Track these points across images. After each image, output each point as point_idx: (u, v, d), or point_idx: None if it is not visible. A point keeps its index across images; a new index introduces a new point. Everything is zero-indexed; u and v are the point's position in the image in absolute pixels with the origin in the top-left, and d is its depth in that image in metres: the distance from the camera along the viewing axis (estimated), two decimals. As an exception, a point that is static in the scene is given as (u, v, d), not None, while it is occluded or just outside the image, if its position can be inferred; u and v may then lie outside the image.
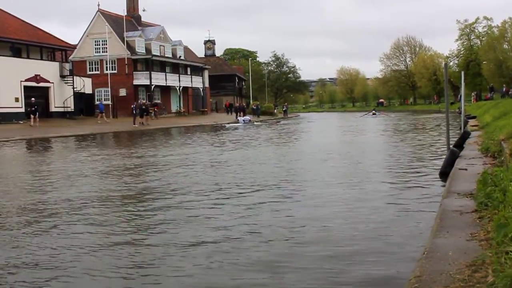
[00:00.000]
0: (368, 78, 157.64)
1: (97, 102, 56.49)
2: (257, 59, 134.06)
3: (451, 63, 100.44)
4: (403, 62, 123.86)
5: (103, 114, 51.45)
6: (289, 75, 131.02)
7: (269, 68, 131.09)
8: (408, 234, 7.17)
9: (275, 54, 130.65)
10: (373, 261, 6.04)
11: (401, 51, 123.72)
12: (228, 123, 51.80)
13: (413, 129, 34.67)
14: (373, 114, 71.02)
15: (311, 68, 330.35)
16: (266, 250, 6.64)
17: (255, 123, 54.17)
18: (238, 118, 56.55)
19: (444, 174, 11.31)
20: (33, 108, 43.20)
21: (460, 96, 22.95)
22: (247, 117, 57.20)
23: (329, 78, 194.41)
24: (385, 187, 11.19)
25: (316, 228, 7.64)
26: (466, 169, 10.11)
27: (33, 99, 43.29)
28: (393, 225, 7.69)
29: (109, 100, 60.08)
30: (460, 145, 15.02)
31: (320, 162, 16.49)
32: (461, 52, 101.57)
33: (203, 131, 39.62)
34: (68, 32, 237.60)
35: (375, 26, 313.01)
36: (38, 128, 39.92)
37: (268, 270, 5.85)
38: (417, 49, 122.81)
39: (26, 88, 48.72)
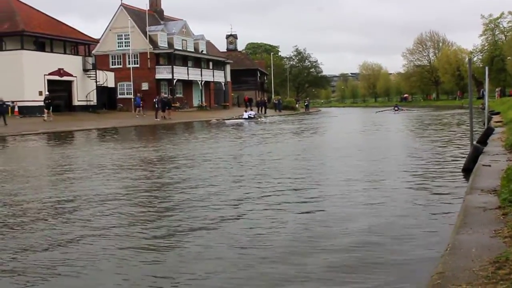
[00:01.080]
0: (390, 73, 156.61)
1: (133, 97, 56.03)
2: (279, 53, 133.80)
3: (475, 59, 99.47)
4: (426, 57, 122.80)
5: (141, 108, 51.65)
6: (311, 70, 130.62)
7: (291, 62, 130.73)
8: (429, 230, 7.12)
9: (297, 48, 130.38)
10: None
11: (424, 46, 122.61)
12: (229, 119, 46.81)
13: (436, 125, 34.40)
14: (395, 110, 66.46)
15: (330, 63, 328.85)
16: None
17: (259, 119, 48.13)
18: (244, 112, 50.41)
19: (467, 170, 11.23)
20: (47, 102, 42.22)
21: (483, 91, 22.74)
22: (252, 112, 51.09)
23: (351, 73, 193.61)
24: (407, 183, 11.13)
25: (340, 226, 7.64)
26: (489, 165, 10.02)
27: (47, 93, 42.83)
28: (415, 221, 7.65)
29: (131, 94, 60.41)
30: (483, 141, 14.86)
31: (340, 158, 16.43)
32: (485, 47, 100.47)
33: (207, 127, 39.62)
34: (89, 26, 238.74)
35: (395, 20, 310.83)
36: (53, 122, 39.41)
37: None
38: (441, 44, 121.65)
39: (49, 82, 49.13)
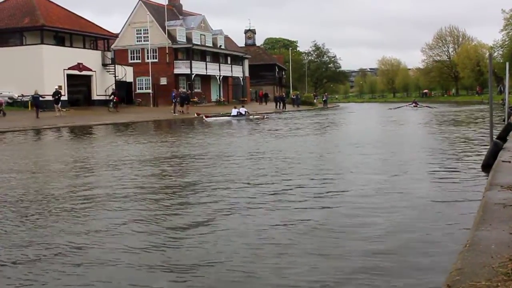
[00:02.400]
0: (409, 69, 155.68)
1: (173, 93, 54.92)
2: (298, 48, 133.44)
3: (495, 54, 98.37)
4: (446, 53, 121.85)
5: (188, 105, 50.22)
6: (329, 65, 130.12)
7: (309, 58, 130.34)
8: (448, 226, 7.09)
9: (315, 43, 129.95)
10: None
11: (443, 41, 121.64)
12: (215, 116, 42.57)
13: (456, 121, 34.15)
14: (414, 106, 62.48)
15: (345, 58, 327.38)
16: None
17: (253, 117, 42.84)
18: (232, 110, 44.24)
19: (487, 166, 11.15)
20: (57, 97, 41.59)
21: (501, 87, 22.48)
22: (243, 109, 44.55)
23: (370, 68, 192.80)
24: (427, 179, 11.08)
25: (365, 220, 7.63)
26: (509, 162, 9.94)
27: (56, 87, 42.79)
28: (434, 217, 7.62)
29: (149, 89, 60.64)
30: (503, 137, 14.73)
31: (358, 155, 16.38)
32: (506, 43, 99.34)
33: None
34: (102, 21, 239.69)
35: (410, 15, 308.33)
36: (68, 117, 39.23)
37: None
38: (460, 39, 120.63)
39: (69, 76, 49.48)
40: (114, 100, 48.49)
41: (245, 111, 43.53)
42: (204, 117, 40.05)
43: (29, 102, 44.74)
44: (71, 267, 5.82)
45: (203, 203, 8.91)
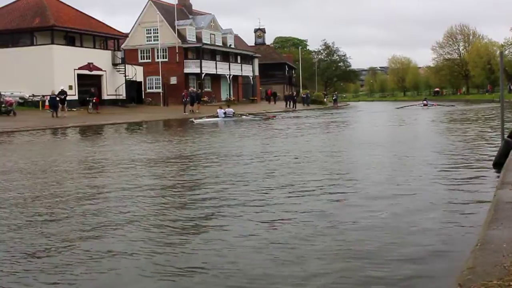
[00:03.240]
0: (419, 67, 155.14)
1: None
2: (307, 47, 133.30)
3: (506, 52, 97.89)
4: (456, 51, 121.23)
5: (199, 104, 50.55)
6: (339, 64, 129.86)
7: (319, 56, 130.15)
8: (460, 225, 7.06)
9: (325, 42, 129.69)
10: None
11: (454, 39, 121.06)
12: (200, 118, 39.33)
13: (467, 119, 34.01)
14: (424, 105, 58.53)
15: (354, 56, 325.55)
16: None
17: (243, 116, 41.08)
18: (218, 110, 41.07)
19: (498, 165, 11.10)
20: (62, 97, 41.26)
21: (509, 85, 22.37)
22: (230, 110, 42.20)
23: (380, 67, 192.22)
24: (438, 177, 11.04)
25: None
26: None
27: (62, 87, 42.57)
28: (445, 215, 7.59)
29: (160, 88, 60.81)
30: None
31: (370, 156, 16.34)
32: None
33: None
34: (110, 21, 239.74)
35: (419, 14, 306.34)
36: (67, 118, 38.68)
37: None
38: (471, 37, 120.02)
39: (79, 76, 49.67)
40: (94, 101, 45.82)
41: (232, 112, 41.25)
42: (193, 119, 37.94)
43: (40, 102, 45.04)
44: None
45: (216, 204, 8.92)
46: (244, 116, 41.21)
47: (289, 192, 9.66)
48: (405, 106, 60.18)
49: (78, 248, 6.47)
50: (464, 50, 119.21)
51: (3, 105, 39.51)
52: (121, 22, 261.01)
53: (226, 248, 6.33)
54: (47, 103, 44.33)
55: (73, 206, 8.90)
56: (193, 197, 9.53)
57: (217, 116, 39.76)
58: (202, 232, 7.14)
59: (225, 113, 40.07)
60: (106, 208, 8.68)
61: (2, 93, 40.59)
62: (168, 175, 12.45)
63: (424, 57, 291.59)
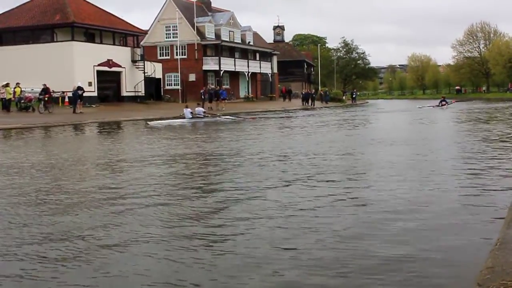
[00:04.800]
0: (439, 65, 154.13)
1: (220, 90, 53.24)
2: (326, 45, 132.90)
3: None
4: (477, 49, 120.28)
5: (225, 101, 50.82)
6: (358, 62, 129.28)
7: (338, 54, 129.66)
8: (480, 225, 7.00)
9: (344, 40, 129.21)
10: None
11: (474, 37, 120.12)
12: (166, 120, 33.56)
13: (488, 119, 33.74)
14: (442, 105, 53.51)
15: (374, 54, 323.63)
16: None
17: (217, 118, 35.68)
18: (184, 110, 34.77)
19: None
20: (80, 93, 40.80)
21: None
22: (200, 109, 36.35)
23: (399, 65, 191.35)
24: (459, 175, 10.97)
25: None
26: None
27: (79, 83, 42.34)
28: (465, 216, 7.54)
29: (178, 85, 61.02)
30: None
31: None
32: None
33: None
34: (125, 17, 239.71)
35: (436, 11, 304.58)
36: (86, 114, 38.29)
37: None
38: (492, 35, 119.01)
39: (99, 72, 49.95)
40: (45, 99, 39.61)
41: (202, 111, 35.77)
42: (147, 122, 32.16)
43: (60, 98, 45.37)
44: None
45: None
46: (219, 118, 35.48)
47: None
48: (426, 106, 55.82)
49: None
50: (485, 48, 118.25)
51: (23, 101, 39.85)
52: (137, 19, 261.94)
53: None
54: (66, 99, 44.69)
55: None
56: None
57: (184, 117, 34.11)
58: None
59: (192, 113, 34.49)
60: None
61: (22, 89, 40.95)
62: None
63: (443, 55, 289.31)
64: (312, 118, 39.13)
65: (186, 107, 35.51)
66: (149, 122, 31.46)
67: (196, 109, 35.85)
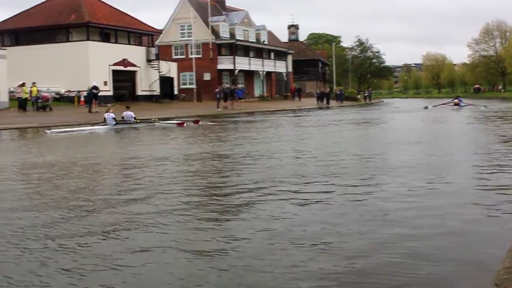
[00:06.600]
0: (454, 64, 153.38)
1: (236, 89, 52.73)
2: (341, 44, 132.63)
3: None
4: (493, 48, 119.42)
5: (241, 100, 50.91)
6: (373, 60, 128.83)
7: (353, 53, 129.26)
8: (497, 225, 6.93)
9: (359, 39, 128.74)
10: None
11: (490, 36, 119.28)
12: (91, 126, 28.56)
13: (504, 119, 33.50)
14: (455, 104, 48.84)
15: (389, 53, 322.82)
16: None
17: (156, 123, 30.15)
18: (106, 115, 28.47)
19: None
20: (95, 92, 40.32)
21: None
22: (130, 113, 29.80)
23: (415, 64, 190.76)
24: (475, 174, 10.90)
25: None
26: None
27: (94, 82, 41.69)
28: (482, 215, 7.48)
29: (193, 84, 61.17)
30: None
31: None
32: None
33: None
34: (138, 17, 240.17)
35: (447, 10, 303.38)
36: (99, 113, 35.62)
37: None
38: (508, 33, 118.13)
39: (114, 72, 50.18)
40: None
41: (132, 116, 29.62)
42: (47, 130, 25.35)
43: (75, 97, 45.64)
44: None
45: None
46: (156, 123, 30.13)
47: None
48: (439, 105, 51.68)
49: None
50: (501, 46, 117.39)
51: (40, 101, 40.11)
52: (149, 19, 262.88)
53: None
54: (82, 99, 44.88)
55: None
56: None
57: (106, 123, 28.26)
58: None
59: (114, 118, 28.45)
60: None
61: (39, 88, 41.20)
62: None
63: (458, 54, 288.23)
64: (340, 116, 39.02)
65: (108, 111, 29.14)
66: (47, 131, 24.96)
67: (125, 113, 29.87)
